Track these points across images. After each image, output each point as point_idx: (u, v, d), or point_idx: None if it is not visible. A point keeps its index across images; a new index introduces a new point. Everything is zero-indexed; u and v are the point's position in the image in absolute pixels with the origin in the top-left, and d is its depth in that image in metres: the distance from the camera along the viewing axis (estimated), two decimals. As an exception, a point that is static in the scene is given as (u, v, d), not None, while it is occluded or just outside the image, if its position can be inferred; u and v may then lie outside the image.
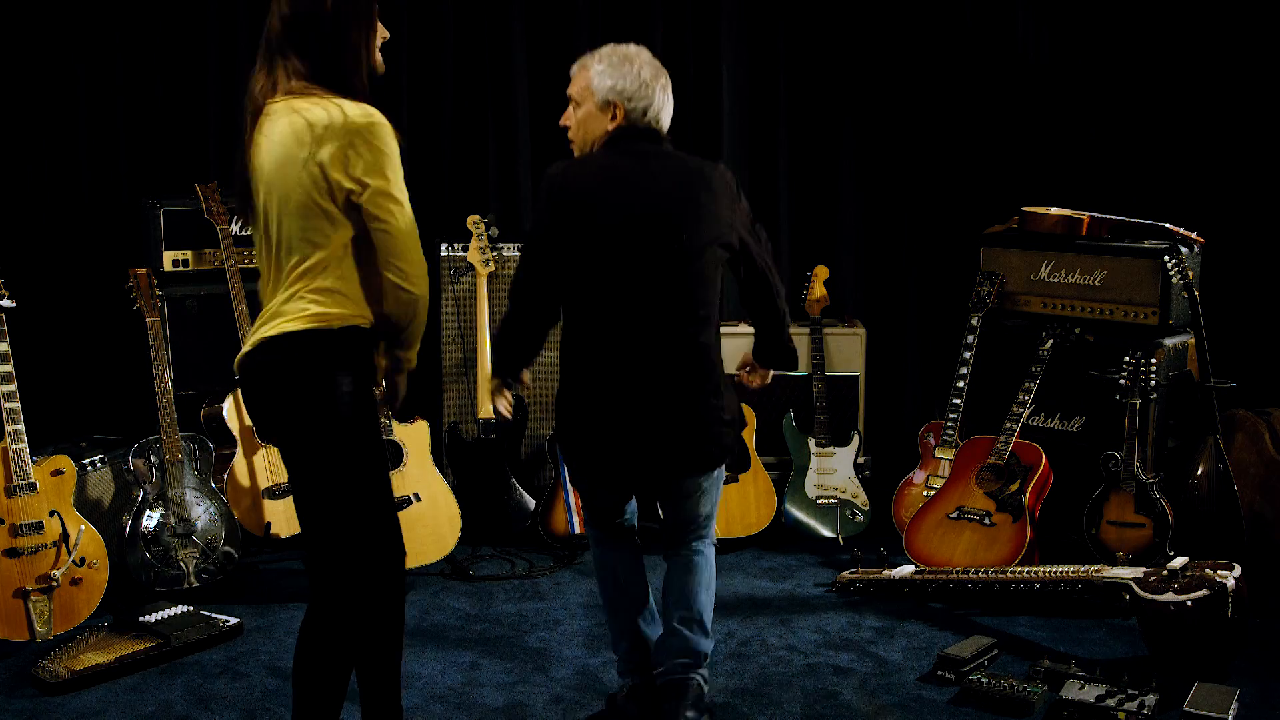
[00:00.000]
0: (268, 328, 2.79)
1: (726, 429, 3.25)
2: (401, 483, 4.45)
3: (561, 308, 3.23)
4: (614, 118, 3.14)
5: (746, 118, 5.47)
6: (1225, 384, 4.41)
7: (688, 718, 3.24)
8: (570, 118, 3.23)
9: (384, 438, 4.28)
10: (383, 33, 2.89)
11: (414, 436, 4.57)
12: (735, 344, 5.01)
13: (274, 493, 4.57)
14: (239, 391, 4.52)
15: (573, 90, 3.21)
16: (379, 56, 2.89)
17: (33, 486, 3.91)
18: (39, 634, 3.88)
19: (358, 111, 2.74)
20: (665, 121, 3.20)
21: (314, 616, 2.88)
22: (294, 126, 2.73)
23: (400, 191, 2.81)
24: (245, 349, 2.84)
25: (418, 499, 4.48)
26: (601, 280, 3.11)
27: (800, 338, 4.99)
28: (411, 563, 4.18)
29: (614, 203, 3.08)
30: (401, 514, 4.24)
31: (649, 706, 3.36)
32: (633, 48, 3.20)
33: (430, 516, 4.48)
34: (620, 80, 3.12)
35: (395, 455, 4.51)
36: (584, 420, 3.20)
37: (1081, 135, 5.32)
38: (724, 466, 3.35)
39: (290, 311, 2.78)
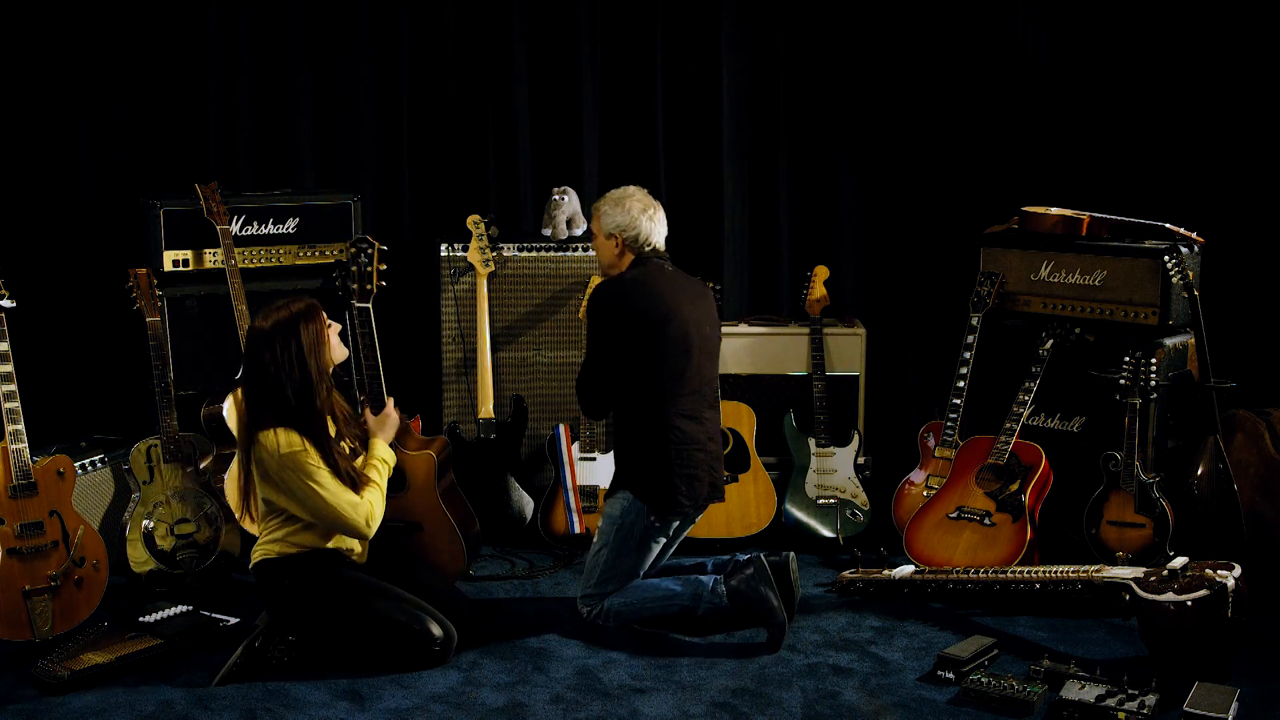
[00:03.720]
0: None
1: None
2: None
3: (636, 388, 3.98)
4: (616, 244, 4.03)
5: (746, 118, 5.47)
6: (1225, 384, 4.41)
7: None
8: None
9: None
10: (335, 327, 3.77)
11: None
12: (736, 344, 5.02)
13: (274, 493, 4.57)
14: (239, 391, 4.53)
15: (593, 227, 4.12)
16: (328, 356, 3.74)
17: (33, 486, 3.91)
18: (39, 634, 3.87)
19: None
20: (658, 242, 4.06)
21: None
22: None
23: None
24: None
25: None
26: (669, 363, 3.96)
27: (800, 338, 4.99)
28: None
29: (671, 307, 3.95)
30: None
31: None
32: (630, 189, 4.08)
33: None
34: (617, 218, 4.01)
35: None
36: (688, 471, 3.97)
37: (1081, 135, 5.32)
38: None
39: None
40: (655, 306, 3.91)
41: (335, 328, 3.79)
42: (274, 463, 3.64)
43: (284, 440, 3.64)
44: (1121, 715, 3.30)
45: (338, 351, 3.79)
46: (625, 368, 3.93)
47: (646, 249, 4.02)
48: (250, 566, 3.81)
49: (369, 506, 3.74)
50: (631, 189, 4.08)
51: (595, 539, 4.06)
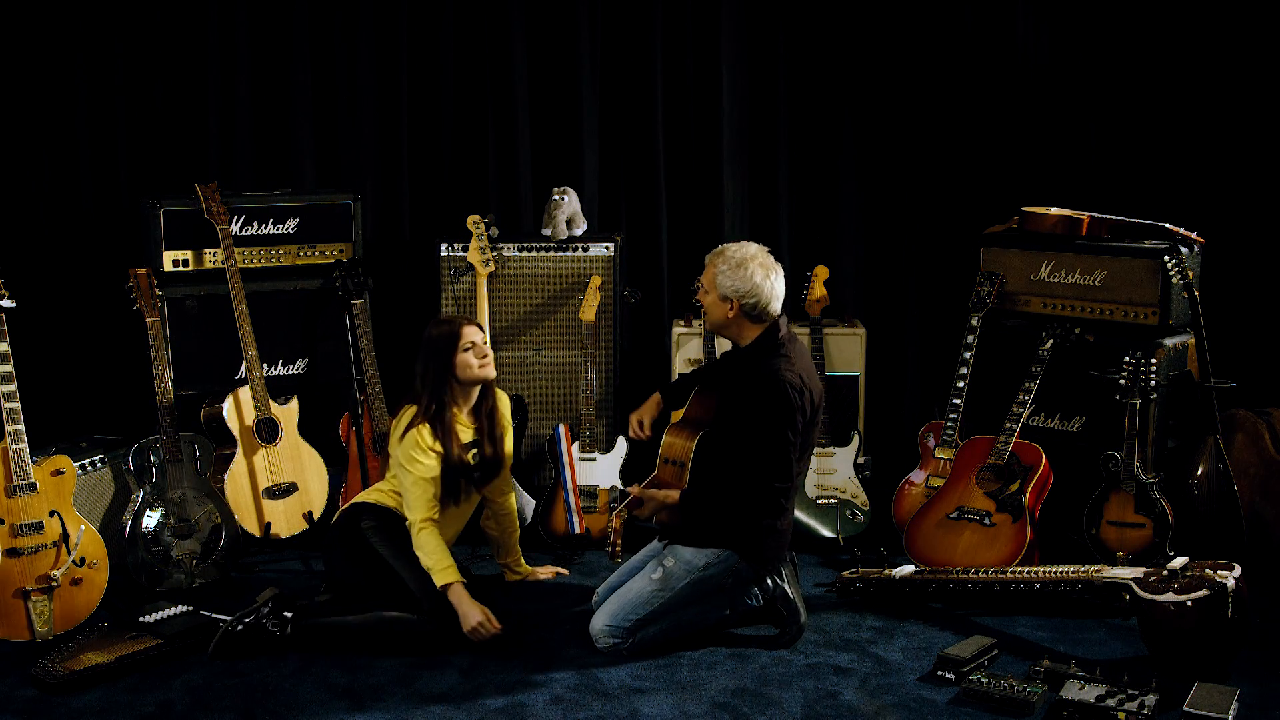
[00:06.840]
0: None
1: None
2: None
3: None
4: (731, 308, 3.83)
5: (746, 118, 5.47)
6: (1225, 384, 4.41)
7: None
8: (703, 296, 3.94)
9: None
10: (467, 337, 4.04)
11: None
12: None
13: (274, 492, 4.57)
14: (239, 391, 4.54)
15: (704, 279, 3.91)
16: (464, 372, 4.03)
17: (33, 486, 3.91)
18: (39, 634, 3.88)
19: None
20: (778, 307, 3.89)
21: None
22: None
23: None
24: None
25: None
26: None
27: (800, 338, 4.97)
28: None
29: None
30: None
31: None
32: (751, 249, 3.85)
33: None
34: (735, 282, 3.80)
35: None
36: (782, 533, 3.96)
37: (1081, 135, 5.32)
38: None
39: None
40: (817, 392, 3.86)
41: (482, 352, 4.05)
42: (394, 437, 4.02)
43: (404, 420, 4.00)
44: (1121, 715, 3.30)
45: (477, 369, 4.04)
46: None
47: (768, 316, 3.84)
48: (340, 508, 4.16)
49: (429, 533, 3.95)
50: (752, 248, 3.85)
51: (651, 578, 3.86)
